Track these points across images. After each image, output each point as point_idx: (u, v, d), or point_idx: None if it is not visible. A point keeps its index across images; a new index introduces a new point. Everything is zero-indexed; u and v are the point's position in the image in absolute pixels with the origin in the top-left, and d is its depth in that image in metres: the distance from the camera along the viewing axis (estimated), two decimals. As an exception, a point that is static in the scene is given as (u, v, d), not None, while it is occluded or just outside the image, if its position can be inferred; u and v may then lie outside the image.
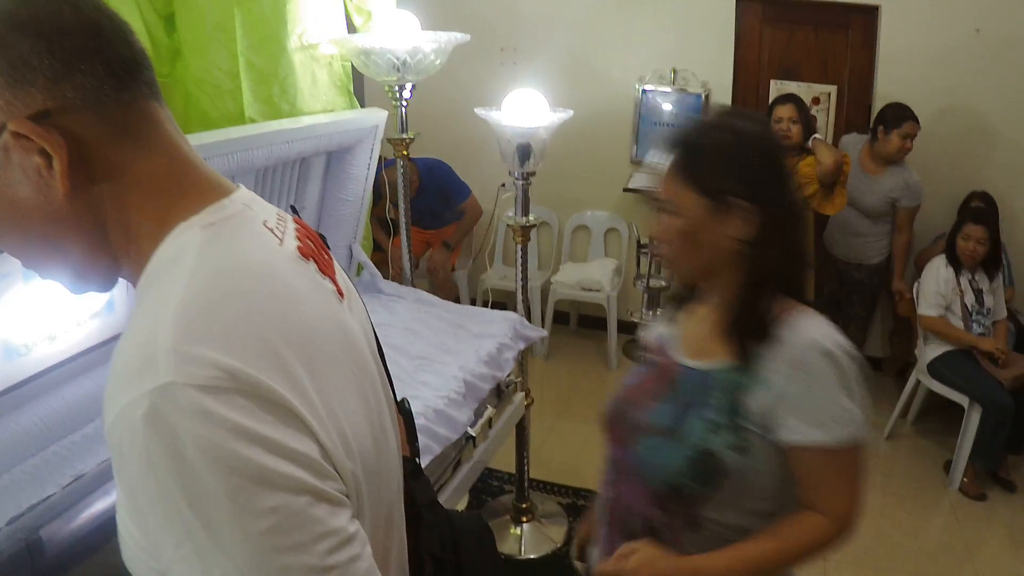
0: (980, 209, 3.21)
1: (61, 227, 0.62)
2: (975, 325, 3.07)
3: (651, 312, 3.71)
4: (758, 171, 1.02)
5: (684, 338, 1.13)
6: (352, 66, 2.49)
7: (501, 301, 3.77)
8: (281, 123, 2.06)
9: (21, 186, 0.60)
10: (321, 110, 2.37)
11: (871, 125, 3.38)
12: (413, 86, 2.35)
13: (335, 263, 0.79)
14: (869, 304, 3.66)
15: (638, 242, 3.93)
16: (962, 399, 3.00)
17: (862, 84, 3.64)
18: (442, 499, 1.96)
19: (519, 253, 2.39)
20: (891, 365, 3.90)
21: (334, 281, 0.73)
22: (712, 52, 3.75)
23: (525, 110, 2.18)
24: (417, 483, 0.92)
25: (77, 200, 0.61)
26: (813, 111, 3.40)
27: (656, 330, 1.22)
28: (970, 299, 3.07)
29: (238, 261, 0.62)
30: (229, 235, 0.64)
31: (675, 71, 3.81)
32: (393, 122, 2.41)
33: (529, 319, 2.48)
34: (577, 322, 4.38)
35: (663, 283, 3.72)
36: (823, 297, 3.53)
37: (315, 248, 0.74)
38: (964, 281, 3.08)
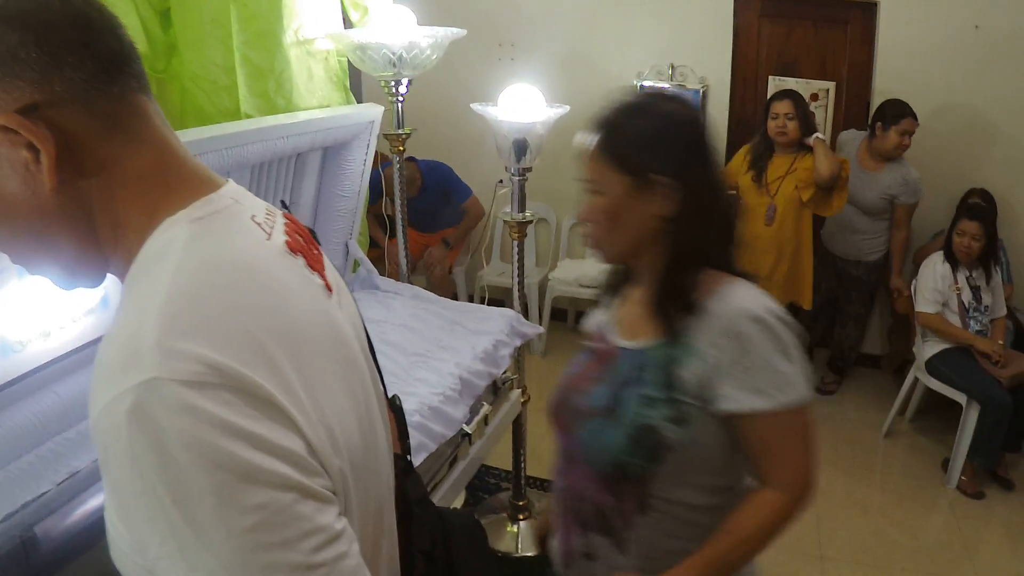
0: (976, 205, 3.21)
1: (49, 222, 0.62)
2: (972, 322, 3.07)
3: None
4: (678, 148, 1.03)
5: (619, 321, 1.15)
6: (349, 62, 2.48)
7: (499, 298, 3.77)
8: (276, 118, 2.05)
9: (9, 180, 0.60)
10: (317, 105, 2.36)
11: (869, 122, 3.37)
12: (409, 81, 2.34)
13: (325, 259, 0.79)
14: (867, 301, 3.65)
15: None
16: (960, 397, 2.99)
17: (861, 80, 3.63)
18: (438, 496, 1.95)
19: (516, 249, 2.39)
20: (889, 362, 3.90)
21: (323, 276, 0.73)
22: (710, 47, 3.74)
23: (521, 105, 2.17)
24: (408, 480, 0.92)
25: (65, 194, 0.61)
26: (812, 107, 3.39)
27: (595, 317, 1.23)
28: (967, 296, 3.07)
29: (224, 255, 0.62)
30: (216, 229, 0.63)
31: (673, 67, 3.80)
32: (389, 118, 2.40)
33: (526, 316, 2.47)
34: (575, 319, 4.37)
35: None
36: (822, 294, 3.52)
37: (304, 243, 0.73)
38: (961, 278, 3.07)
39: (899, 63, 3.50)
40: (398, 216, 2.61)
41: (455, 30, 2.28)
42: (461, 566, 0.97)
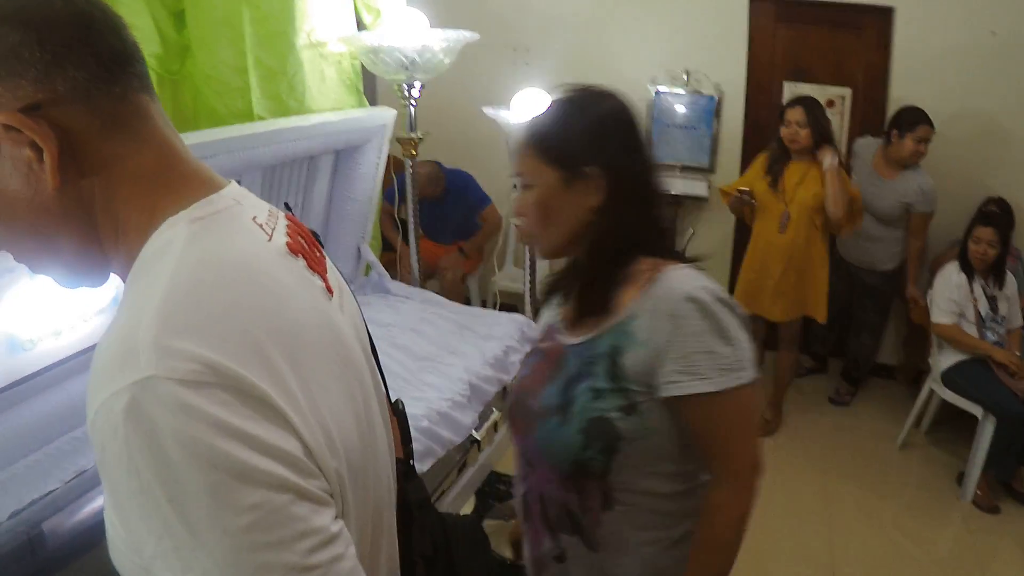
0: (990, 211, 3.16)
1: (51, 220, 0.62)
2: (989, 333, 3.02)
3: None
4: (604, 139, 1.04)
5: (564, 319, 1.15)
6: (362, 65, 2.48)
7: (511, 303, 3.76)
8: (288, 121, 2.05)
9: (11, 179, 0.60)
10: (330, 108, 2.37)
11: (885, 128, 3.34)
12: (422, 85, 2.34)
13: (328, 261, 0.79)
14: (882, 310, 3.61)
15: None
16: (976, 409, 2.95)
17: (877, 86, 3.60)
18: (447, 501, 1.94)
19: (528, 255, 2.38)
20: (904, 373, 3.85)
21: (324, 278, 0.73)
22: (725, 52, 3.72)
23: (533, 109, 2.16)
24: (410, 485, 0.91)
25: (67, 193, 0.61)
26: (828, 114, 3.35)
27: (543, 318, 1.23)
28: (984, 306, 3.02)
29: (223, 255, 0.62)
30: (216, 230, 0.63)
31: (688, 72, 3.79)
32: (402, 121, 2.40)
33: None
34: (587, 325, 4.35)
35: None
36: (836, 302, 3.49)
37: (306, 245, 0.73)
38: (977, 288, 3.03)
39: (915, 69, 3.47)
40: (411, 220, 2.61)
41: (468, 33, 2.28)
42: (463, 571, 0.96)
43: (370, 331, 0.86)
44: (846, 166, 3.13)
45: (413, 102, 2.36)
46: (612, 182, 1.03)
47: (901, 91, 3.49)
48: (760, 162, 3.22)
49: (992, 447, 2.86)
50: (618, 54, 3.87)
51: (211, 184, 0.67)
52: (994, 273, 3.04)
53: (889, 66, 3.53)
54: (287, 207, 0.85)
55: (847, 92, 3.64)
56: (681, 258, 1.07)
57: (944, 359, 3.10)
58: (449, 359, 2.12)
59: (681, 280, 1.01)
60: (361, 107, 2.51)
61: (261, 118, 2.12)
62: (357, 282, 2.61)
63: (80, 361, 1.58)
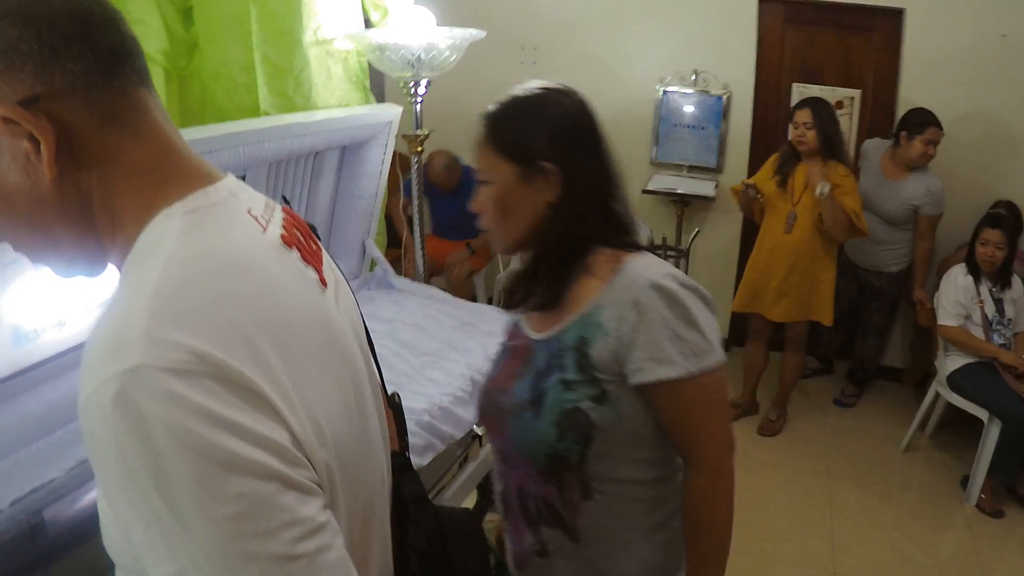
0: (998, 214, 3.14)
1: (48, 212, 0.63)
2: (995, 335, 3.00)
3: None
4: (560, 135, 1.04)
5: (530, 315, 1.15)
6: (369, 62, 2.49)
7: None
8: (293, 116, 2.06)
9: (10, 171, 0.61)
10: (336, 105, 2.38)
11: (894, 130, 3.32)
12: (428, 83, 2.34)
13: (324, 254, 0.79)
14: (889, 313, 3.60)
15: (651, 243, 3.91)
16: (981, 413, 2.93)
17: (886, 88, 3.58)
18: (448, 495, 1.95)
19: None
20: (910, 376, 3.83)
21: (318, 271, 0.73)
22: (734, 53, 3.71)
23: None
24: (405, 478, 0.92)
25: (64, 185, 0.62)
26: (837, 116, 3.34)
27: (510, 317, 1.23)
28: (990, 309, 3.01)
29: (216, 246, 0.62)
30: (211, 222, 0.64)
31: (696, 72, 3.78)
32: (408, 119, 2.41)
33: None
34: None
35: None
36: (842, 304, 3.47)
37: (301, 238, 0.73)
38: (984, 290, 3.01)
39: (925, 71, 3.44)
40: (415, 216, 2.62)
41: (474, 31, 2.28)
42: (457, 565, 0.96)
43: (374, 326, 0.87)
44: (854, 168, 3.12)
45: (419, 99, 2.37)
46: (567, 177, 1.03)
47: (910, 93, 3.47)
48: (771, 162, 3.21)
49: (997, 451, 2.85)
50: (627, 53, 3.86)
51: (208, 177, 0.68)
52: (1001, 276, 3.02)
53: (899, 68, 3.51)
54: (285, 200, 0.85)
55: (856, 93, 3.62)
56: (641, 248, 1.08)
57: (950, 362, 3.08)
58: (452, 355, 2.12)
59: (645, 268, 1.02)
60: (367, 104, 2.52)
61: (268, 114, 2.14)
62: (361, 277, 2.62)
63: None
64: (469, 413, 1.95)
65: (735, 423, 3.47)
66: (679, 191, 3.74)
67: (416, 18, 2.26)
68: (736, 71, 3.73)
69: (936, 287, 3.24)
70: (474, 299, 3.94)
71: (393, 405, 0.99)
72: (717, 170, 3.88)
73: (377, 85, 3.40)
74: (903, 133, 3.21)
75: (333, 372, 0.68)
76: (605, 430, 1.01)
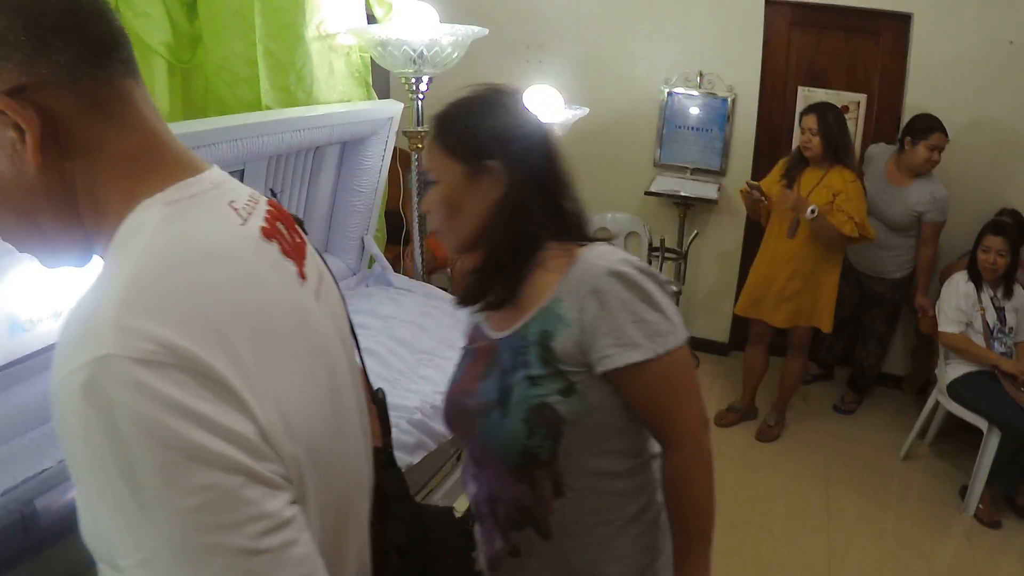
0: (1002, 221, 3.12)
1: (34, 200, 0.63)
2: (996, 344, 2.99)
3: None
4: (505, 133, 1.05)
5: (489, 316, 1.15)
6: (372, 58, 2.49)
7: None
8: (293, 111, 2.06)
9: None
10: (337, 100, 2.38)
11: (899, 135, 3.30)
12: (431, 79, 2.34)
13: (308, 248, 0.79)
14: (890, 319, 3.58)
15: (650, 244, 3.91)
16: (981, 422, 2.91)
17: (892, 93, 3.56)
18: (441, 493, 1.95)
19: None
20: (911, 384, 3.82)
21: (299, 264, 0.73)
22: (739, 55, 3.70)
23: (539, 106, 2.16)
24: (388, 474, 0.91)
25: (49, 174, 0.62)
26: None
27: (470, 320, 1.23)
28: (991, 317, 2.99)
29: (191, 237, 0.63)
30: (189, 213, 0.64)
31: (702, 74, 3.77)
32: (410, 115, 2.41)
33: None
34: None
35: (675, 288, 3.68)
36: (844, 309, 3.46)
37: (284, 231, 0.73)
38: (985, 297, 3.00)
39: (932, 76, 3.43)
40: (415, 214, 2.61)
41: (477, 28, 2.28)
42: (439, 564, 0.96)
43: (371, 323, 0.87)
44: (858, 172, 3.10)
45: (421, 96, 2.37)
46: (513, 175, 1.04)
47: (916, 98, 3.45)
48: (780, 166, 3.21)
49: (996, 461, 2.83)
50: (631, 54, 3.85)
51: (191, 168, 0.68)
52: (1003, 283, 3.00)
53: (905, 73, 3.50)
54: (272, 193, 0.85)
55: (862, 98, 3.61)
56: (592, 239, 1.09)
57: (951, 371, 3.06)
58: (447, 353, 2.12)
59: (599, 257, 1.03)
60: (369, 100, 2.52)
61: (269, 108, 2.14)
62: (360, 274, 2.62)
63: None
64: (464, 411, 1.95)
65: (733, 428, 3.46)
66: (682, 193, 3.73)
67: (419, 14, 2.26)
68: (741, 73, 3.72)
69: (939, 294, 3.23)
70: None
71: (377, 401, 0.99)
72: (721, 173, 3.87)
73: (383, 82, 3.40)
74: (908, 138, 3.20)
75: (307, 365, 0.68)
76: (574, 423, 1.01)
